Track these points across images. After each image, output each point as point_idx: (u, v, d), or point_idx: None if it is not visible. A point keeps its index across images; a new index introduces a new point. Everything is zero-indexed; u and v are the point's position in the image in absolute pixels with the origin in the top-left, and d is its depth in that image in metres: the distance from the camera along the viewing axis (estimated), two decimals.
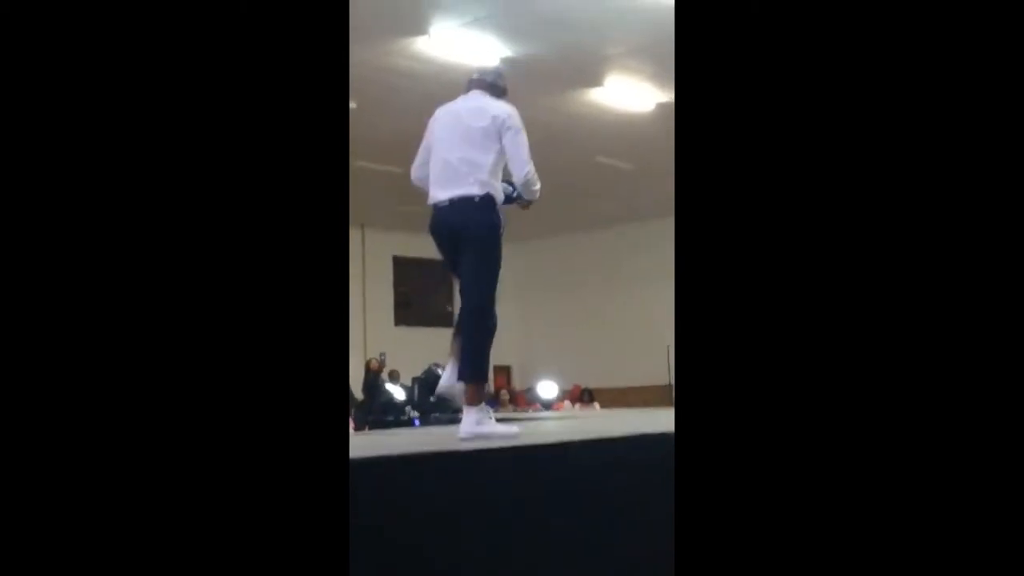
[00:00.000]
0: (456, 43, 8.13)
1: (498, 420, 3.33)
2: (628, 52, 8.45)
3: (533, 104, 10.09)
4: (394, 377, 11.39)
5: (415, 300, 16.17)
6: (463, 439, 3.07)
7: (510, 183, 3.40)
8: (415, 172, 3.46)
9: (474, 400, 3.18)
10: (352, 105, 9.47)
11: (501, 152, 3.23)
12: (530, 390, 13.28)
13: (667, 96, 9.37)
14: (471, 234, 3.19)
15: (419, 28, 7.98)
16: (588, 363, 14.60)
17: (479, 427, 3.11)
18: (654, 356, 13.39)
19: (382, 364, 11.27)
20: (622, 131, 10.46)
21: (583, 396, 11.36)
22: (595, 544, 2.52)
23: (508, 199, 3.42)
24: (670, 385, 12.70)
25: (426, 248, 3.68)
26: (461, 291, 3.28)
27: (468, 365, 3.21)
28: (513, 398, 11.89)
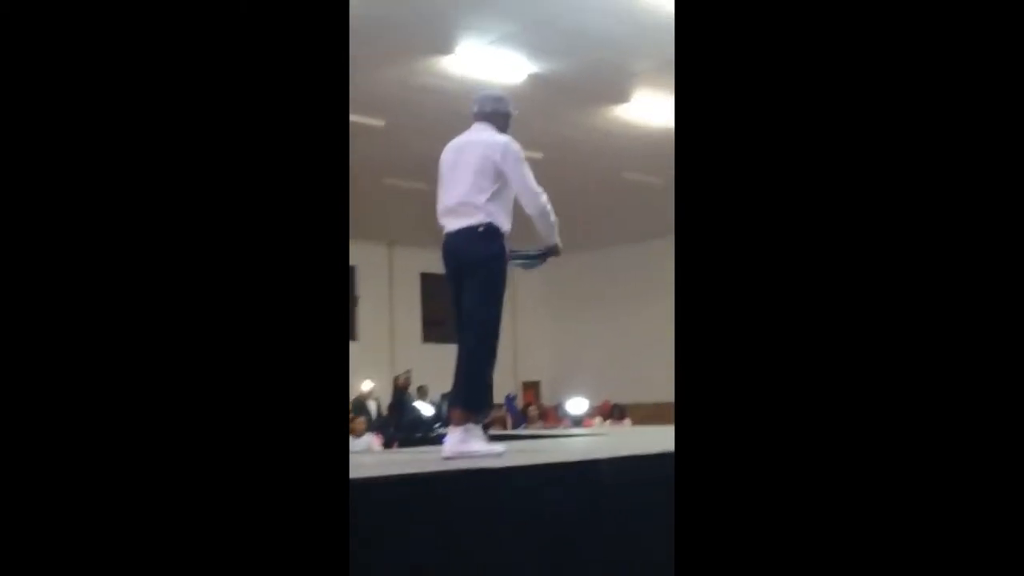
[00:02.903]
0: (482, 61, 8.16)
1: (524, 437, 3.33)
2: (655, 68, 8.43)
3: (560, 120, 10.13)
4: (423, 393, 11.40)
5: (444, 317, 16.20)
6: (446, 458, 3.09)
7: (528, 256, 3.49)
8: (438, 214, 3.47)
9: (460, 421, 3.19)
10: (380, 123, 9.53)
11: (502, 186, 3.26)
12: (560, 406, 13.23)
13: None
14: (473, 262, 3.24)
15: (446, 47, 8.02)
16: (620, 378, 14.52)
17: (462, 445, 3.12)
18: None
19: (408, 381, 11.28)
20: (650, 147, 10.43)
21: (614, 412, 11.27)
22: (616, 562, 2.50)
23: (534, 258, 3.50)
24: None
25: None
26: (460, 320, 3.28)
27: (463, 392, 3.24)
28: (542, 414, 11.84)
